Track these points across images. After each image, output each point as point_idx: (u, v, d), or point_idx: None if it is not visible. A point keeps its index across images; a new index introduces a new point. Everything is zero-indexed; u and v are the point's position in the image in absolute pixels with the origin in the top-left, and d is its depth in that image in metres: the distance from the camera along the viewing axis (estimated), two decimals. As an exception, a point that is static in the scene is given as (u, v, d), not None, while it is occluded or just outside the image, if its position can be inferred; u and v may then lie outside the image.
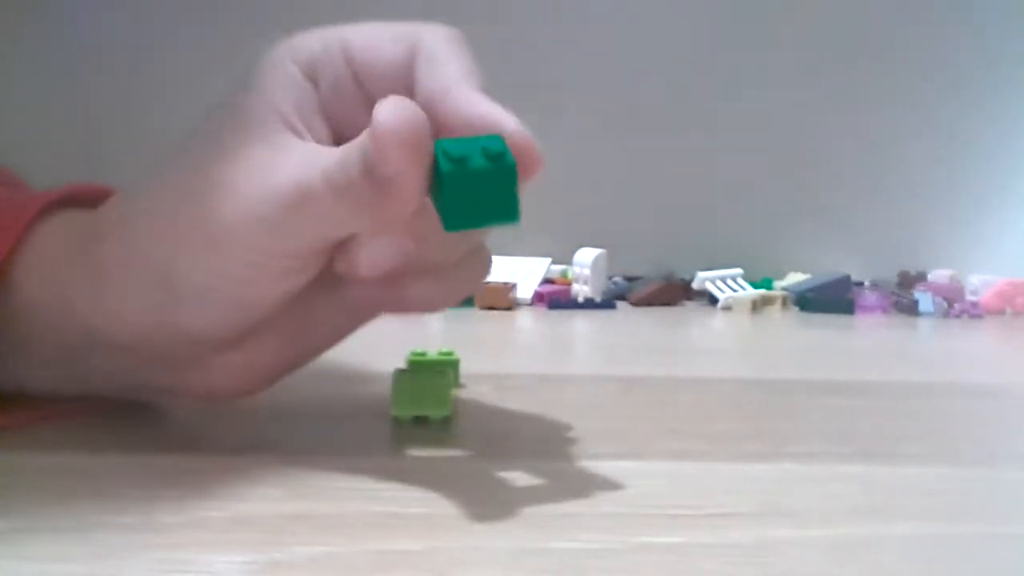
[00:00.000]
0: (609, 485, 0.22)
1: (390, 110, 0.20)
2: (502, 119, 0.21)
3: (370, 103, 0.23)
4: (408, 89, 0.23)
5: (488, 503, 0.20)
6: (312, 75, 0.24)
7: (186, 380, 0.25)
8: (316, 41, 0.24)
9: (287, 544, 0.18)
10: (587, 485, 0.22)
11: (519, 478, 0.22)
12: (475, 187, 0.20)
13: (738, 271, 0.81)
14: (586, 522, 0.19)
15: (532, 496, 0.21)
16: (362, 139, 0.20)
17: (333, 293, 0.25)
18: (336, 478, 0.22)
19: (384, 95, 0.22)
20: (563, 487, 0.22)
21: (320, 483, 0.22)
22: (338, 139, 0.24)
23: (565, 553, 0.18)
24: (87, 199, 0.26)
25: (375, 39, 0.24)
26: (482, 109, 0.21)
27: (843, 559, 0.18)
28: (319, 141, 0.24)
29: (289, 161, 0.21)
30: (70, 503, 0.20)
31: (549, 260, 0.79)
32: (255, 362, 0.25)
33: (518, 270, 0.76)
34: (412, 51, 0.23)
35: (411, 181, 0.20)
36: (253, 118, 0.23)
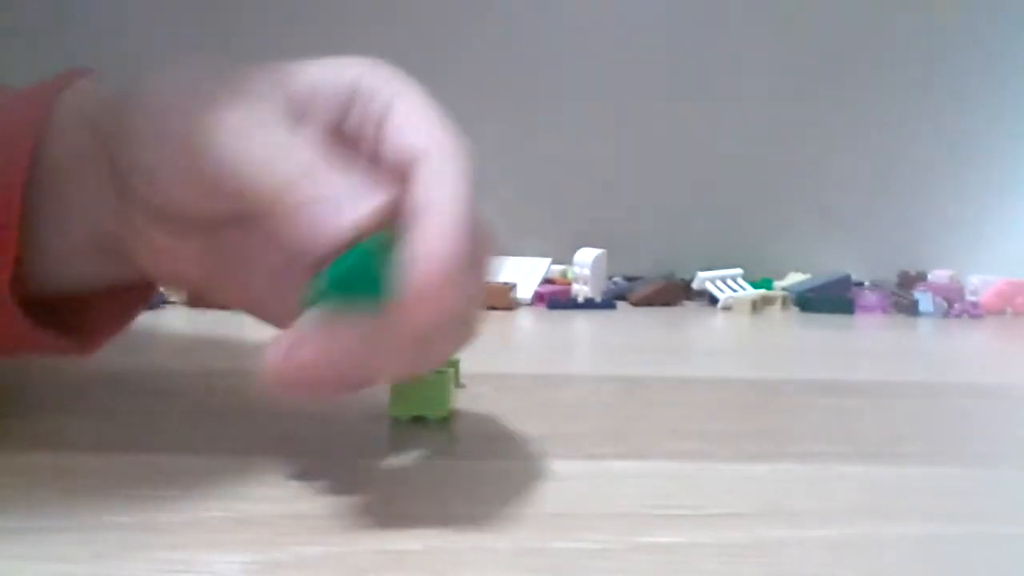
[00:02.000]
0: (609, 485, 0.22)
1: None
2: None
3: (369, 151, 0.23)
4: None
5: (488, 503, 0.20)
6: (355, 87, 0.23)
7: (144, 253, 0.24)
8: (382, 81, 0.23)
9: (287, 544, 0.18)
10: (587, 485, 0.22)
11: (519, 478, 0.22)
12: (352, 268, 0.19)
13: (738, 271, 0.80)
14: (586, 522, 0.19)
15: (532, 496, 0.21)
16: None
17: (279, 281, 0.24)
18: (336, 478, 0.22)
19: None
20: (563, 487, 0.22)
21: (320, 483, 0.22)
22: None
23: (565, 553, 0.18)
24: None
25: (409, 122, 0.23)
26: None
27: (843, 559, 0.18)
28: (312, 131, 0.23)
29: (263, 135, 0.21)
30: (70, 503, 0.20)
31: (549, 260, 0.79)
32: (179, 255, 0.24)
33: (518, 270, 0.76)
34: (426, 145, 0.22)
35: None
36: (265, 85, 0.22)
